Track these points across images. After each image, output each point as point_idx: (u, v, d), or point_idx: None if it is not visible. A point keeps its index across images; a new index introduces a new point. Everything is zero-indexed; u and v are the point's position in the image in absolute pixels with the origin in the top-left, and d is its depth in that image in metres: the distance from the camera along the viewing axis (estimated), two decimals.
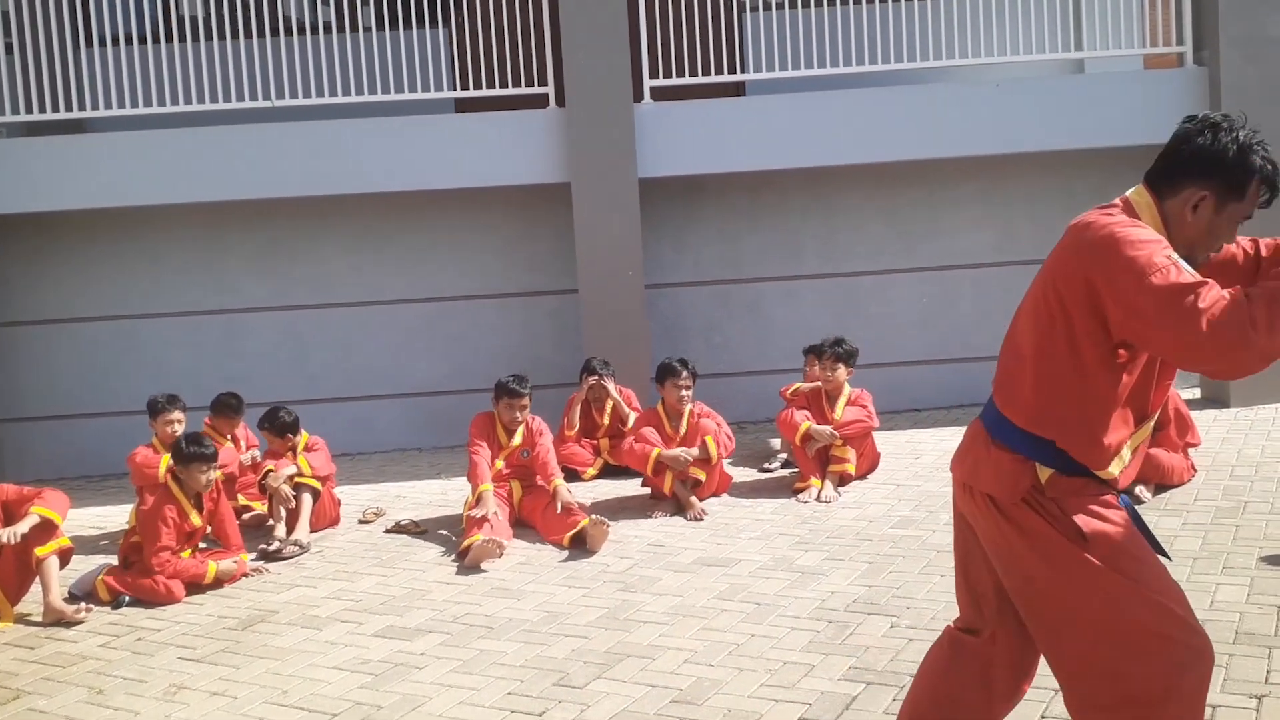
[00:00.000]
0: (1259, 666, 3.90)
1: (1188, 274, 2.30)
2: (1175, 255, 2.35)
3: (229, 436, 7.26)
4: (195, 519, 5.84)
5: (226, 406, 7.24)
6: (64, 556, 5.64)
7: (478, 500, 6.31)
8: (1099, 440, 2.52)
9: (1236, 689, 3.73)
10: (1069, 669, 2.58)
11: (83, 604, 5.47)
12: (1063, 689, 2.62)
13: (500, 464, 6.65)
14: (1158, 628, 2.46)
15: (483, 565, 5.83)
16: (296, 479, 6.67)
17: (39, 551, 5.44)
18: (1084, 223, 2.51)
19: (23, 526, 5.38)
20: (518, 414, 6.65)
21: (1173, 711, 2.45)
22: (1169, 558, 2.78)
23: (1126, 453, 2.59)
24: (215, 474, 5.90)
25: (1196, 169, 2.45)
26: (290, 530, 6.50)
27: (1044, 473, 2.56)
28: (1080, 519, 2.53)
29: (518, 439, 6.68)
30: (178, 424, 6.83)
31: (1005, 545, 2.62)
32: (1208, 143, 2.43)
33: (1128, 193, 2.58)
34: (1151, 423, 2.66)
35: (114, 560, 5.99)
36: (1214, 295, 2.26)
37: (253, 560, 6.16)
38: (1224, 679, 3.81)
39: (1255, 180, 2.44)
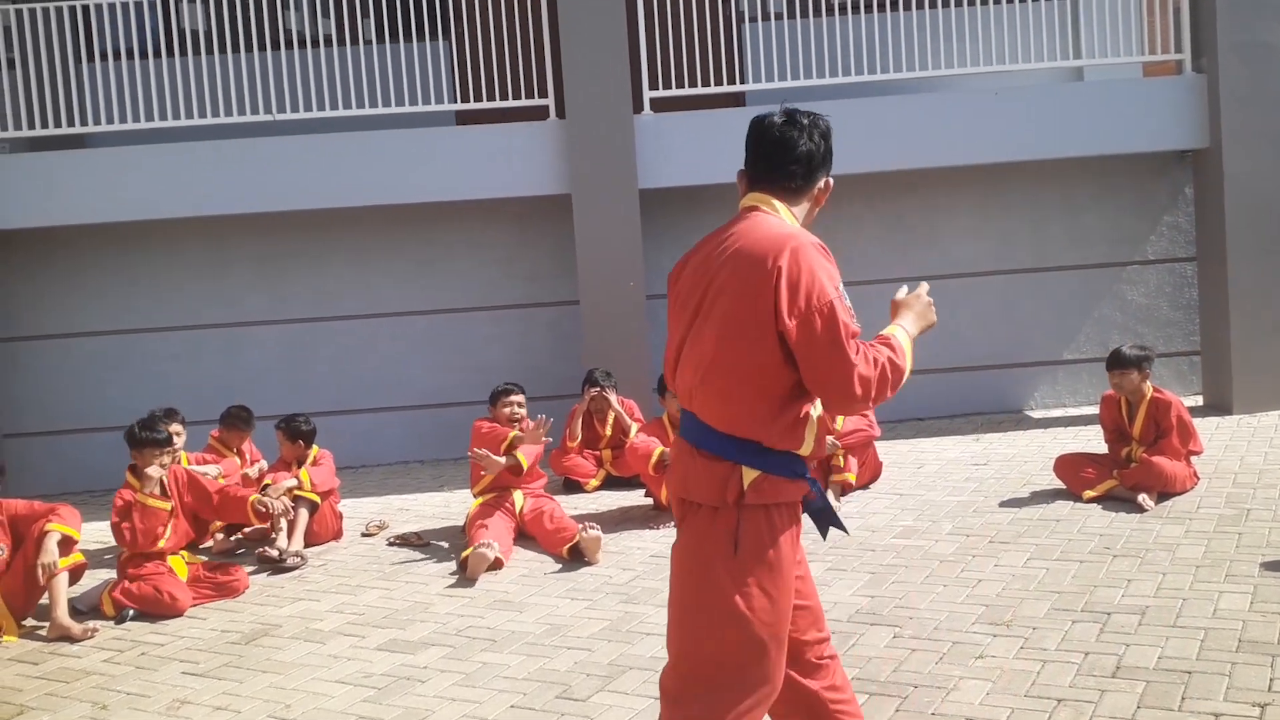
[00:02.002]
0: (1262, 675, 3.90)
1: (850, 321, 2.62)
2: (841, 288, 2.65)
3: (235, 450, 7.26)
4: (160, 504, 5.78)
5: (237, 419, 7.23)
6: (76, 573, 5.64)
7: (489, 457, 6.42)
8: (794, 416, 2.68)
9: (1240, 697, 3.73)
10: (675, 649, 2.77)
11: (91, 624, 5.45)
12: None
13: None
14: (742, 658, 2.68)
15: (484, 576, 5.83)
16: (295, 492, 6.67)
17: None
18: (765, 250, 2.67)
19: (53, 553, 5.40)
20: (515, 409, 6.73)
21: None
22: (847, 532, 3.09)
23: (814, 411, 2.73)
24: (169, 459, 5.89)
25: (822, 164, 2.89)
26: (288, 543, 6.50)
27: (749, 475, 2.68)
28: (745, 532, 2.66)
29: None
30: (177, 437, 6.83)
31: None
32: (818, 141, 2.88)
33: (763, 211, 2.86)
34: None
35: (115, 574, 5.98)
36: (868, 353, 2.63)
37: (251, 570, 6.18)
38: (1227, 687, 3.81)
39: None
